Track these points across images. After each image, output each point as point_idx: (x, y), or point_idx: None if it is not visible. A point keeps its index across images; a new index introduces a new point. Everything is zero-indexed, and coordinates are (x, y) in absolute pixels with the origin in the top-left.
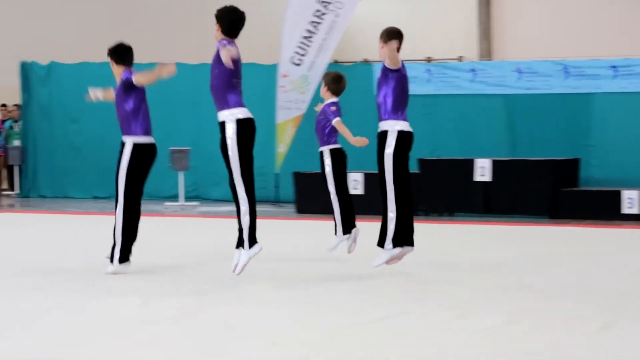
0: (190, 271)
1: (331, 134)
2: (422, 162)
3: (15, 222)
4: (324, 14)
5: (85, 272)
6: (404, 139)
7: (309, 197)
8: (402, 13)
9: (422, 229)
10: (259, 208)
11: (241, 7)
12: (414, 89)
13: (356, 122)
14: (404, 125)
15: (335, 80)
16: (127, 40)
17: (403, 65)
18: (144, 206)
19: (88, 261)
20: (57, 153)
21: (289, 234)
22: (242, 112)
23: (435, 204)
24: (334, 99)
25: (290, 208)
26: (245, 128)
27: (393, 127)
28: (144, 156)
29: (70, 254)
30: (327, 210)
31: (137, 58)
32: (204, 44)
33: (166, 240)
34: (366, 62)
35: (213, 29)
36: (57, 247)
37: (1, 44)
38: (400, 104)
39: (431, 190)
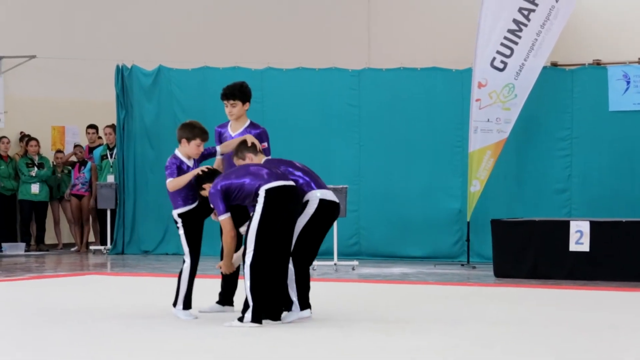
0: None
1: None
2: None
3: (106, 289)
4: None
5: None
6: None
7: (511, 255)
8: None
9: None
10: (444, 269)
11: None
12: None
13: (589, 141)
14: None
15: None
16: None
17: None
18: None
19: None
20: (164, 193)
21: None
22: None
23: None
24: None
25: (486, 270)
26: None
27: None
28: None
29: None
30: (535, 274)
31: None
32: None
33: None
34: (598, 65)
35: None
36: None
37: (96, 45)
38: None
39: None
